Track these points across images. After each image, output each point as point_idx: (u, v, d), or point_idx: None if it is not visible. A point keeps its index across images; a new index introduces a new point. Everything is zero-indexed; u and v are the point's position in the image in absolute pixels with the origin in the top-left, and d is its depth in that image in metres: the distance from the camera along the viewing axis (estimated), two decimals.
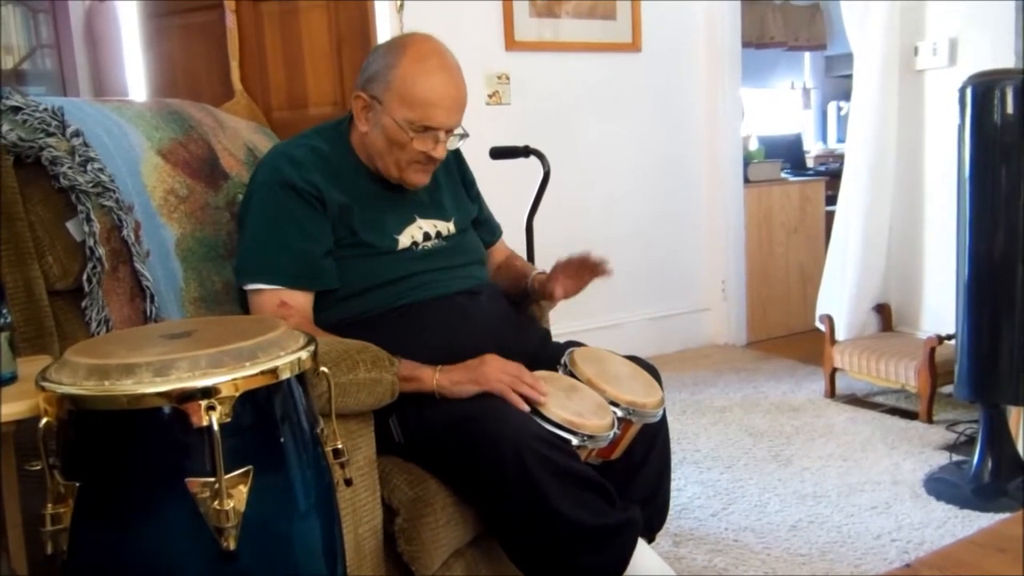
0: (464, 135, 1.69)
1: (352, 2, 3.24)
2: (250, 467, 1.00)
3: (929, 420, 2.93)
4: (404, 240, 1.69)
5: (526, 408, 1.50)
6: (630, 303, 3.91)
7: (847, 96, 3.79)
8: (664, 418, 1.74)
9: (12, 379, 1.14)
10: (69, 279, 1.44)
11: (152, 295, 1.55)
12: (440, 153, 1.64)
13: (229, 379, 0.98)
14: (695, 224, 4.09)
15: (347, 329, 1.57)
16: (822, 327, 3.32)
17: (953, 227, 2.41)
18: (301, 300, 1.58)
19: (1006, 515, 1.66)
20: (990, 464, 2.37)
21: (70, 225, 1.45)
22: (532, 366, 1.63)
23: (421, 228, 1.72)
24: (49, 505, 1.00)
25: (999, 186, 2.25)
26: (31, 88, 4.08)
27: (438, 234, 1.74)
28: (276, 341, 1.07)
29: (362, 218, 1.64)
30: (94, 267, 1.45)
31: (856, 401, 3.22)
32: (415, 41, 1.64)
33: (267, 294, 1.57)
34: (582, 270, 1.77)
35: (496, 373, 1.52)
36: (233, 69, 3.31)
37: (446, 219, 1.77)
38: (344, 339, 1.47)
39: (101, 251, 1.46)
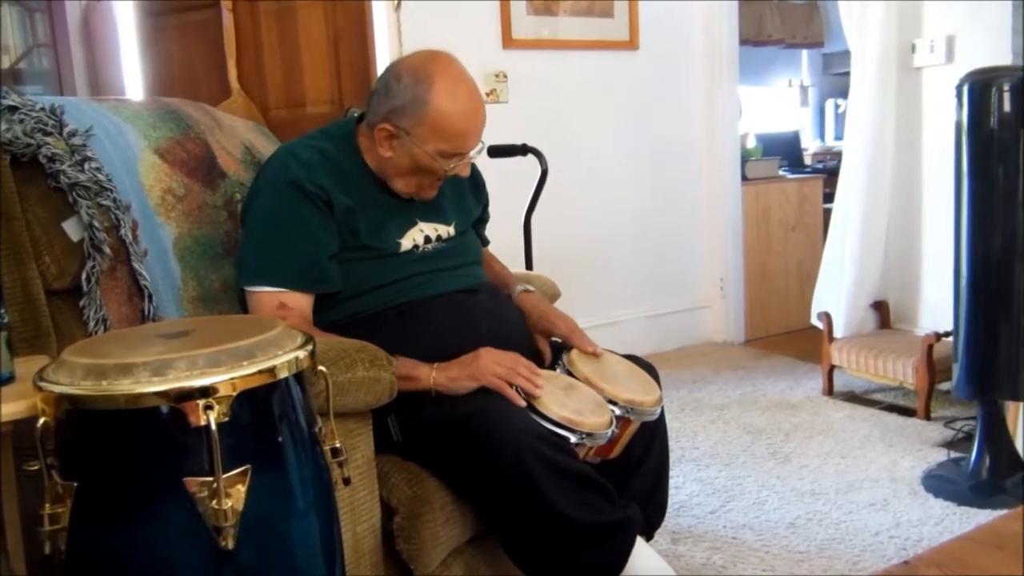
0: (482, 148, 1.71)
1: (349, 1, 3.23)
2: (248, 466, 1.00)
3: (927, 417, 2.93)
4: (406, 243, 1.69)
5: (523, 403, 1.50)
6: (628, 301, 3.91)
7: (845, 94, 3.79)
8: (662, 416, 1.75)
9: (10, 379, 1.14)
10: (66, 279, 1.44)
11: (150, 294, 1.55)
12: (467, 172, 1.68)
13: (227, 378, 0.98)
14: (693, 222, 4.09)
15: (346, 328, 1.57)
16: (820, 324, 3.33)
17: (950, 224, 2.41)
18: (301, 301, 1.58)
19: (1004, 512, 1.66)
20: (988, 461, 2.37)
21: (66, 225, 1.44)
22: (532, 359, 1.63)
23: (422, 231, 1.72)
24: (47, 505, 1.00)
25: (996, 183, 2.25)
26: (28, 88, 4.07)
27: (438, 237, 1.74)
28: (274, 340, 1.07)
29: (366, 221, 1.64)
30: (93, 266, 1.44)
31: (854, 398, 3.23)
32: (440, 69, 1.61)
33: (267, 295, 1.57)
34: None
35: (491, 367, 1.52)
36: (230, 68, 3.30)
37: (446, 223, 1.77)
38: (342, 338, 1.47)
39: (107, 248, 1.45)
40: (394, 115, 1.61)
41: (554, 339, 1.83)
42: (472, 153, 1.67)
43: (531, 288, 1.87)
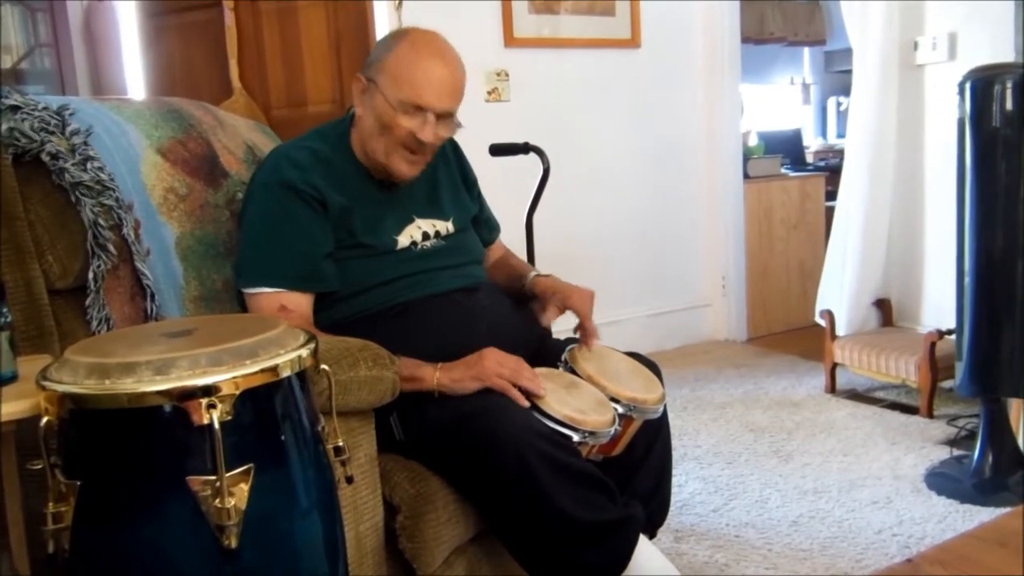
0: (457, 124, 1.68)
1: (351, 0, 3.23)
2: (251, 465, 1.00)
3: (930, 415, 2.93)
4: (403, 240, 1.69)
5: (526, 404, 1.50)
6: (630, 300, 3.91)
7: (847, 91, 3.78)
8: (665, 414, 1.75)
9: (13, 378, 1.14)
10: (69, 278, 1.44)
11: (152, 294, 1.55)
12: (427, 136, 1.61)
13: (229, 377, 0.98)
14: (695, 220, 4.08)
15: (345, 328, 1.57)
16: (822, 322, 3.32)
17: (953, 222, 2.41)
18: (301, 302, 1.58)
19: (1007, 509, 1.66)
20: (991, 459, 2.37)
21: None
22: (532, 363, 1.63)
23: (420, 228, 1.72)
24: (50, 504, 1.00)
25: (999, 181, 2.24)
26: (30, 87, 4.08)
27: (436, 234, 1.74)
28: (276, 339, 1.07)
29: (362, 219, 1.64)
30: (99, 265, 1.44)
31: (857, 396, 3.22)
32: (417, 30, 1.68)
33: (266, 297, 1.57)
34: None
35: (495, 367, 1.52)
36: (232, 67, 3.31)
37: (444, 219, 1.77)
38: (345, 337, 1.47)
39: (111, 246, 1.45)
40: (367, 68, 1.66)
41: (555, 338, 1.83)
42: (435, 120, 1.61)
43: (544, 274, 1.86)
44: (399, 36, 1.67)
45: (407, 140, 1.62)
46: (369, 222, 1.65)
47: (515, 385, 1.51)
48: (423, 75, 1.60)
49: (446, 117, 1.64)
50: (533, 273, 1.87)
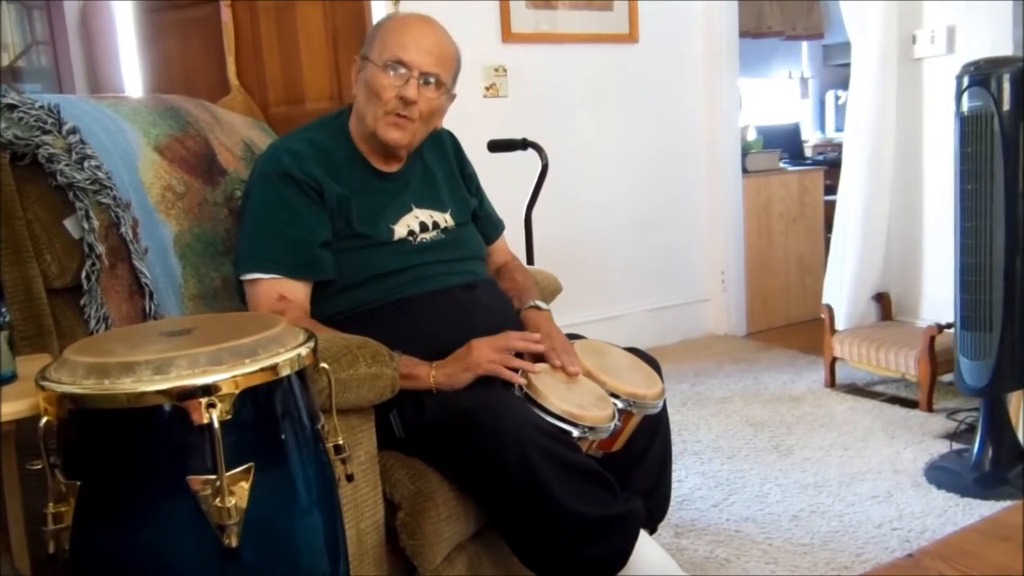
0: (450, 95, 1.71)
1: None
2: (251, 464, 1.00)
3: (929, 409, 2.93)
4: (400, 230, 1.68)
5: (521, 381, 1.52)
6: (630, 295, 3.91)
7: (845, 85, 3.78)
8: (665, 409, 1.75)
9: (12, 378, 1.14)
10: (67, 277, 1.44)
11: (151, 292, 1.55)
12: (410, 92, 1.61)
13: (229, 376, 0.98)
14: (694, 215, 4.08)
15: (344, 322, 1.57)
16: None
17: (952, 216, 2.40)
18: (298, 292, 1.59)
19: (1007, 503, 1.66)
20: (990, 452, 2.37)
21: (67, 223, 1.44)
22: (532, 361, 1.62)
23: (417, 218, 1.71)
24: (51, 504, 1.00)
25: (998, 175, 2.24)
26: (26, 85, 4.06)
27: (435, 225, 1.73)
28: (276, 338, 1.07)
29: (359, 209, 1.65)
30: (92, 264, 1.44)
31: (856, 390, 3.23)
32: (408, 12, 1.75)
33: (264, 285, 1.57)
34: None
35: (486, 354, 1.54)
36: (229, 64, 3.30)
37: (442, 210, 1.77)
38: (344, 334, 1.47)
39: (100, 248, 1.45)
40: (363, 50, 1.69)
41: None
42: (419, 78, 1.61)
43: (542, 305, 1.80)
44: (392, 14, 1.75)
45: (393, 102, 1.63)
46: (366, 212, 1.66)
47: (512, 368, 1.54)
48: (407, 34, 1.64)
49: (434, 83, 1.65)
50: (529, 303, 1.79)
